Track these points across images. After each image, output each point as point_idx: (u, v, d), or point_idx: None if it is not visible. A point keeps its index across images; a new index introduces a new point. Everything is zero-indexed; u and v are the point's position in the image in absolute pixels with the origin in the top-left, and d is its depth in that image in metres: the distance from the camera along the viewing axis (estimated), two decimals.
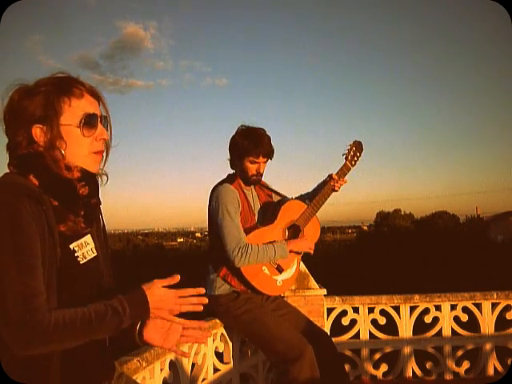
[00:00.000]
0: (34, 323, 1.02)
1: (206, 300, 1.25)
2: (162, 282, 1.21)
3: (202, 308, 1.25)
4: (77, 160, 1.18)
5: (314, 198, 2.77)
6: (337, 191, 2.78)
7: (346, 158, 2.80)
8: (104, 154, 1.26)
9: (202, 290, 1.26)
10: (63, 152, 1.16)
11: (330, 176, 2.78)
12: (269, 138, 2.67)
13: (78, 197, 1.19)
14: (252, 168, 2.64)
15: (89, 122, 1.18)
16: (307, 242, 2.71)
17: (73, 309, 1.08)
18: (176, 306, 1.20)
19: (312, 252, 2.74)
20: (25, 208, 1.05)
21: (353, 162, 2.82)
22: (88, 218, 1.22)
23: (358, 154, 2.82)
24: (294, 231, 2.76)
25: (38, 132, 1.14)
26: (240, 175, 2.69)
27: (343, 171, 2.78)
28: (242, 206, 2.63)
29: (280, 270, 2.68)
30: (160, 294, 1.18)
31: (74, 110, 1.16)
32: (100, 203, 1.30)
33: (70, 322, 1.05)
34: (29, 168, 1.14)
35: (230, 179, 2.70)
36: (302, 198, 2.94)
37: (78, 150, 1.18)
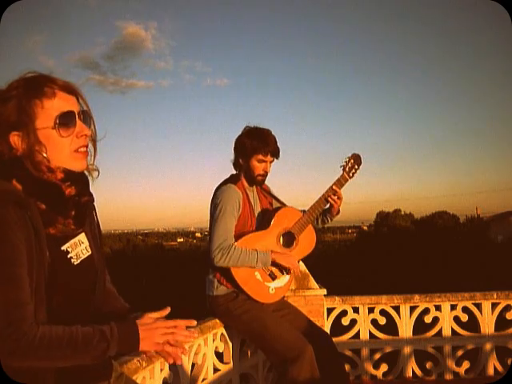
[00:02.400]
0: (19, 335, 1.00)
1: (195, 335, 1.24)
2: (153, 314, 1.21)
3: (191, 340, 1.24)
4: (59, 161, 1.14)
5: (309, 209, 2.75)
6: (332, 202, 2.76)
7: (344, 170, 2.78)
8: (90, 148, 1.23)
9: (194, 322, 1.25)
10: (45, 155, 1.12)
11: (332, 188, 2.77)
12: (275, 138, 2.69)
13: (65, 198, 1.15)
14: (259, 167, 2.65)
15: (65, 121, 1.13)
16: (291, 259, 2.65)
17: (61, 327, 1.06)
18: (165, 337, 1.18)
19: (296, 271, 2.69)
20: (9, 215, 1.02)
21: (350, 174, 2.80)
22: (79, 218, 1.18)
23: (356, 167, 2.81)
24: (289, 238, 2.73)
25: (15, 139, 1.11)
26: (245, 175, 2.69)
27: (340, 182, 2.76)
28: (243, 208, 2.62)
29: (273, 277, 2.64)
30: (150, 322, 1.18)
31: (48, 111, 1.12)
32: (92, 200, 1.27)
33: (56, 339, 1.04)
34: (11, 173, 1.11)
35: (233, 179, 2.69)
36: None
37: (58, 152, 1.14)
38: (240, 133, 2.71)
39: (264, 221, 2.71)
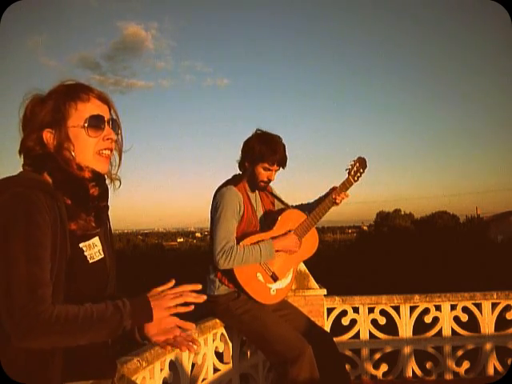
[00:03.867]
0: (37, 313, 1.03)
1: (203, 297, 1.26)
2: (159, 288, 1.25)
3: (201, 301, 1.26)
4: (85, 160, 1.23)
5: (314, 209, 2.74)
6: (338, 204, 2.76)
7: (349, 173, 2.77)
8: (116, 158, 1.32)
9: (199, 286, 1.28)
10: (73, 153, 1.21)
11: (333, 189, 2.77)
12: (284, 146, 2.64)
13: (89, 196, 1.23)
14: (264, 175, 2.62)
15: (94, 122, 1.23)
16: (293, 239, 2.64)
17: (76, 305, 1.10)
18: (175, 300, 1.21)
19: (297, 250, 2.67)
20: (39, 201, 1.09)
21: (355, 178, 2.79)
22: (98, 219, 1.26)
23: (362, 171, 2.81)
24: None
25: (48, 136, 1.21)
26: (248, 179, 2.67)
27: (345, 185, 2.75)
28: (246, 210, 2.61)
29: (275, 278, 2.64)
30: (158, 291, 1.22)
31: (80, 113, 1.22)
32: (108, 207, 1.33)
33: (72, 316, 1.07)
34: (43, 167, 1.20)
35: (235, 181, 2.67)
36: (301, 207, 2.92)
37: (85, 151, 1.23)
38: (250, 135, 2.68)
39: (268, 222, 2.71)
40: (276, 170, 2.66)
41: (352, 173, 2.78)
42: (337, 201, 2.74)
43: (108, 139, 1.26)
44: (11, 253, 1.04)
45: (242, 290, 2.57)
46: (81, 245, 1.21)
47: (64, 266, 1.14)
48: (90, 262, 1.22)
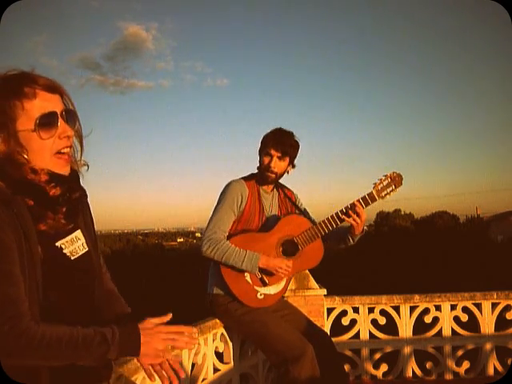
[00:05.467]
0: (18, 332, 0.99)
1: (195, 342, 1.23)
2: (154, 319, 1.19)
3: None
4: (42, 163, 1.11)
5: (323, 220, 2.55)
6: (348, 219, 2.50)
7: (375, 187, 2.52)
8: (76, 145, 1.22)
9: (195, 330, 1.27)
10: (26, 157, 1.09)
11: (354, 203, 2.51)
12: (293, 139, 2.59)
13: (50, 198, 1.12)
14: (265, 160, 2.59)
15: (46, 122, 1.10)
16: (283, 264, 2.46)
17: (62, 327, 1.06)
18: (166, 342, 1.17)
19: (285, 276, 2.51)
20: None
21: (382, 194, 2.52)
22: (70, 214, 1.16)
23: (393, 188, 2.53)
24: (291, 247, 2.57)
25: None
26: (258, 173, 2.67)
27: (366, 200, 2.49)
28: (248, 205, 2.58)
29: (263, 282, 2.52)
30: (151, 326, 1.16)
31: (28, 112, 1.08)
32: (85, 195, 1.26)
33: (56, 339, 1.03)
34: None
35: (247, 176, 2.70)
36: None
37: (40, 154, 1.11)
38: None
39: (269, 223, 2.64)
40: (278, 159, 2.57)
41: (379, 187, 2.51)
42: (346, 216, 2.49)
43: (64, 137, 1.13)
44: None
45: (227, 290, 2.49)
46: (59, 242, 1.14)
47: (36, 276, 1.07)
48: (72, 258, 1.16)
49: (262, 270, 2.50)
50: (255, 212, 2.62)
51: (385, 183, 2.53)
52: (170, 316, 1.23)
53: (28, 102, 1.09)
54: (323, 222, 2.54)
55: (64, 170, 1.16)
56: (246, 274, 2.51)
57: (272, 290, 2.56)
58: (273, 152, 2.57)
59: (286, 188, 2.85)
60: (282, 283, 2.60)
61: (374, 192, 2.52)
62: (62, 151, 1.14)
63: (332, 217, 2.53)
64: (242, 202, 2.56)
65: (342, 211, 2.52)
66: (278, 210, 2.73)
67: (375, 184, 2.53)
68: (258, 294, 2.53)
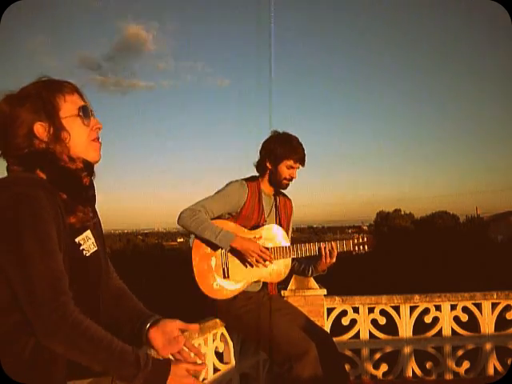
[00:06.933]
0: (67, 313, 1.04)
1: (204, 367, 1.29)
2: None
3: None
4: (79, 150, 1.22)
5: (301, 244, 2.67)
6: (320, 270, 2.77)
7: (352, 239, 2.73)
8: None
9: (203, 366, 1.29)
10: (67, 144, 1.20)
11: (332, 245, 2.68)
12: (303, 146, 2.73)
13: (84, 187, 1.22)
14: (286, 172, 2.69)
15: (85, 112, 1.24)
16: (257, 248, 2.51)
17: (104, 330, 1.09)
18: (189, 375, 1.19)
19: (257, 262, 2.53)
20: (41, 198, 1.08)
21: (355, 248, 2.72)
22: (94, 209, 1.27)
23: (365, 248, 2.73)
24: None
25: (39, 129, 1.18)
26: (270, 178, 2.73)
27: (341, 245, 2.69)
28: (246, 206, 2.63)
29: (225, 274, 2.55)
30: (183, 374, 1.17)
31: (70, 104, 1.22)
32: (95, 196, 1.31)
33: (97, 338, 1.07)
34: (35, 164, 1.17)
35: (250, 178, 2.77)
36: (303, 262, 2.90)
37: (79, 140, 1.22)
38: (268, 137, 2.76)
39: (260, 225, 2.69)
40: (297, 168, 2.73)
41: (355, 241, 2.72)
42: (322, 252, 2.64)
43: (96, 129, 1.27)
44: (25, 250, 1.04)
45: (190, 262, 2.53)
46: (77, 238, 1.20)
47: (66, 262, 1.13)
48: (87, 255, 1.21)
49: (234, 252, 2.54)
50: (254, 211, 2.66)
51: (360, 241, 2.73)
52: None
53: (69, 96, 1.23)
54: (300, 247, 2.66)
55: (96, 158, 1.27)
56: (213, 257, 2.55)
57: (229, 285, 2.57)
58: (296, 165, 2.69)
59: (286, 196, 2.93)
60: (240, 284, 2.59)
61: (350, 243, 2.72)
62: (95, 140, 1.26)
63: (305, 246, 2.66)
64: (239, 202, 2.61)
65: (317, 245, 2.67)
66: (277, 215, 2.78)
67: (353, 238, 2.74)
68: (215, 282, 2.56)
